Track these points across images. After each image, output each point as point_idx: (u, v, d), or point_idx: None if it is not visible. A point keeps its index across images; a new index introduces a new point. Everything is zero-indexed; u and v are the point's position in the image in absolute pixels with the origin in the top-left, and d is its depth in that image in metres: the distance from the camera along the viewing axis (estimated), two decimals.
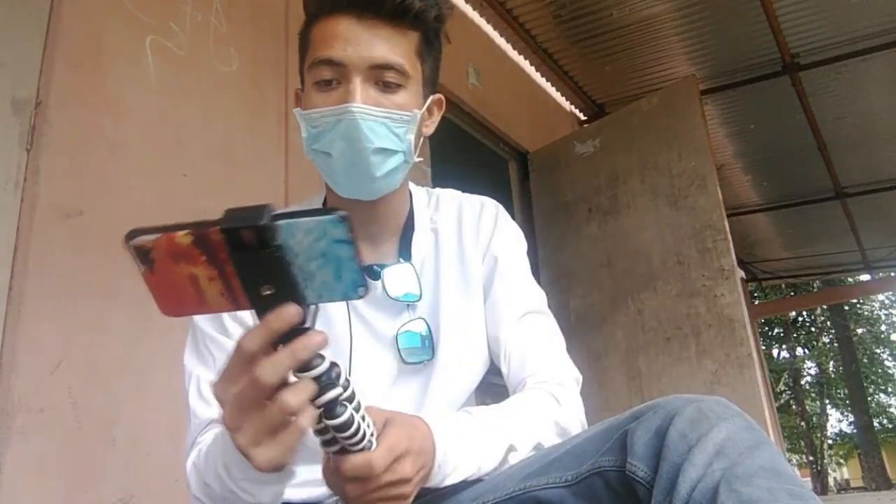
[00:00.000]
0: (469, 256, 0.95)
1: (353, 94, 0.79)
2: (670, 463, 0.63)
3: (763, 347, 14.21)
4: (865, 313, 18.05)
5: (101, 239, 1.61)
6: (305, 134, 0.84)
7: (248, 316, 0.90)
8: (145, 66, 1.83)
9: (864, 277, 10.42)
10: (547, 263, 3.80)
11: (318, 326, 0.91)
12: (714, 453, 0.61)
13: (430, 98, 0.90)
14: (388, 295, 0.87)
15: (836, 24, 3.78)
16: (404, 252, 0.92)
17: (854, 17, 3.75)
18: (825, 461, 17.77)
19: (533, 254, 3.85)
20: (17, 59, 1.58)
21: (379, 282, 0.88)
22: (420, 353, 0.87)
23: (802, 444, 17.22)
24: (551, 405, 0.85)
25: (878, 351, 18.35)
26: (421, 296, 0.89)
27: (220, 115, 2.02)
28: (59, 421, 1.47)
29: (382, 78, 0.82)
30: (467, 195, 1.02)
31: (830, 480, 19.30)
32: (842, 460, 22.88)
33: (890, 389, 19.06)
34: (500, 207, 1.02)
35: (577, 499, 0.73)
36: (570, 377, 0.91)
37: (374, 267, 0.89)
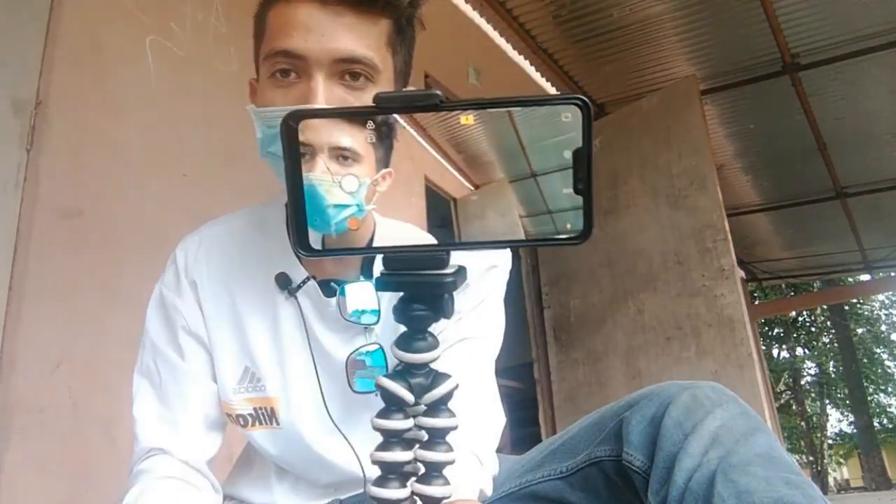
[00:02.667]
0: None
1: (315, 94, 0.71)
2: (666, 452, 0.62)
3: (763, 347, 14.18)
4: (865, 313, 18.01)
5: (101, 239, 1.61)
6: (260, 135, 0.75)
7: (202, 330, 0.82)
8: (145, 66, 1.83)
9: (864, 277, 10.39)
10: (547, 263, 3.79)
11: (270, 346, 0.82)
12: (709, 441, 0.61)
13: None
14: (344, 315, 0.76)
15: (836, 24, 3.78)
16: (366, 271, 0.82)
17: (854, 17, 3.74)
18: (825, 461, 17.75)
19: (533, 254, 3.86)
20: (17, 59, 1.58)
21: (334, 300, 0.77)
22: (371, 381, 0.75)
23: (802, 444, 17.19)
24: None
25: (878, 351, 18.30)
26: (379, 319, 0.77)
27: (220, 115, 2.01)
28: (59, 421, 1.47)
29: (349, 70, 0.72)
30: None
31: (830, 480, 19.26)
32: (842, 460, 22.83)
33: (890, 389, 19.02)
34: (496, 271, 0.85)
35: (574, 490, 0.73)
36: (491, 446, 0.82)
37: (332, 283, 0.79)
